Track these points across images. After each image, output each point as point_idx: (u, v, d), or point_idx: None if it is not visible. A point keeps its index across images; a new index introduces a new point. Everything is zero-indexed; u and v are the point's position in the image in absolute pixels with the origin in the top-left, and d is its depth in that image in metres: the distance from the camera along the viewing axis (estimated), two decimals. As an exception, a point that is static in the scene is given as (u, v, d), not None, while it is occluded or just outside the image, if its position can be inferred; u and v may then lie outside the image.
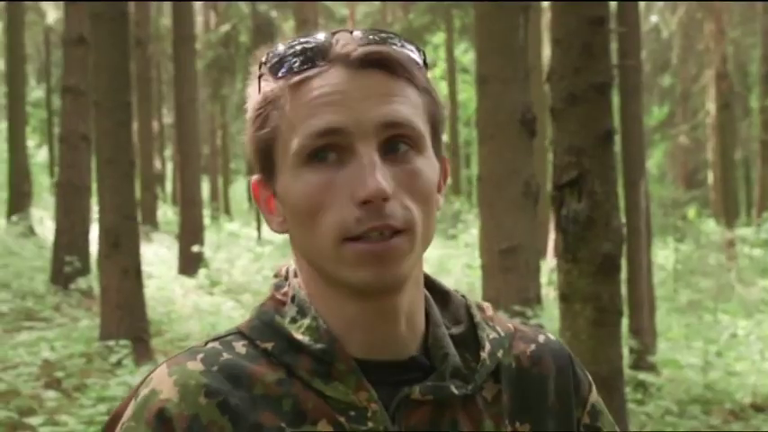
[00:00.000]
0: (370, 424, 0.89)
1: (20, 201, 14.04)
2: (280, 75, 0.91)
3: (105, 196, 7.40)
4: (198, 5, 20.90)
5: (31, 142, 20.65)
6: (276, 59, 0.92)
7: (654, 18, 26.02)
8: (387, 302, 0.91)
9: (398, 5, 20.68)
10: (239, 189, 32.10)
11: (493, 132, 6.01)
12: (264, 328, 0.93)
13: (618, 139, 5.63)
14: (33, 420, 5.63)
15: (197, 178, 13.46)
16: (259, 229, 20.53)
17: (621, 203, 5.29)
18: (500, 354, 0.97)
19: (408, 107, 0.89)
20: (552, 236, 13.26)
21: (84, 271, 9.98)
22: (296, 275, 0.97)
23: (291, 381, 0.90)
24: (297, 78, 0.90)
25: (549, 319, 6.19)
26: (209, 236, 14.01)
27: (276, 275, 1.00)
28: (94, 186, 10.71)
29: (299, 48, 0.91)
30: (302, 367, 0.90)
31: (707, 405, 7.20)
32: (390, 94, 0.89)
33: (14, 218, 13.66)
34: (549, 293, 9.78)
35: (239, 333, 0.94)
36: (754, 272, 16.86)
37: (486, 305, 1.03)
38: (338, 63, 0.89)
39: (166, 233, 17.03)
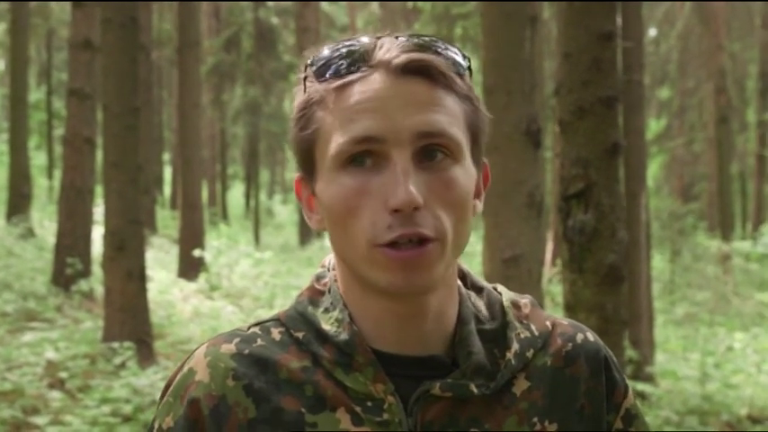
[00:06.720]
0: (386, 415, 0.92)
1: (20, 202, 14.04)
2: (324, 77, 0.93)
3: (111, 199, 7.43)
4: (200, 12, 20.97)
5: (29, 144, 20.65)
6: (321, 62, 0.94)
7: (653, 31, 26.16)
8: (415, 303, 0.94)
9: (401, 15, 20.76)
10: (236, 194, 32.18)
11: (498, 143, 6.05)
12: (298, 318, 0.98)
13: (621, 151, 5.70)
14: (39, 420, 5.66)
15: (198, 183, 13.48)
16: (257, 234, 20.57)
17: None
18: (530, 354, 0.98)
19: (446, 116, 0.91)
20: (550, 246, 13.31)
21: (86, 273, 10.00)
22: (334, 268, 1.01)
23: (315, 369, 0.94)
24: (339, 82, 0.92)
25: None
26: (208, 240, 14.04)
27: (322, 266, 1.04)
28: (97, 189, 10.78)
29: (343, 51, 0.93)
30: (326, 357, 0.94)
31: (704, 416, 7.27)
32: (429, 103, 0.90)
33: (14, 219, 13.68)
34: (547, 303, 9.85)
35: (278, 320, 0.99)
36: (749, 285, 16.94)
37: (524, 302, 1.03)
38: (380, 68, 0.91)
39: (165, 237, 17.06)
